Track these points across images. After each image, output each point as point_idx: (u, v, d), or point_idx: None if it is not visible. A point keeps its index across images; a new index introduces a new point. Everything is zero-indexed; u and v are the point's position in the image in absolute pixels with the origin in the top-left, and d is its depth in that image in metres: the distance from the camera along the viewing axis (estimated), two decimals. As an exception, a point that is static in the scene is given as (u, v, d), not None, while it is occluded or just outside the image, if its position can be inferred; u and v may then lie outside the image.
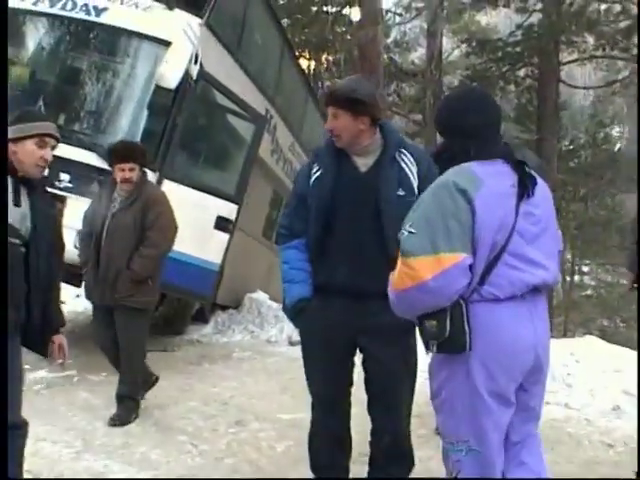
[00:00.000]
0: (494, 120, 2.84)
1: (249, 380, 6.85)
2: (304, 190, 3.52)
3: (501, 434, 2.71)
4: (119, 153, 5.45)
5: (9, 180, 3.27)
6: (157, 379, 5.77)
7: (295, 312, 3.53)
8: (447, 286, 2.53)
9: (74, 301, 9.82)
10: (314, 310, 3.46)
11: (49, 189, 6.53)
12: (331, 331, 3.44)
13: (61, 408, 5.41)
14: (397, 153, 3.45)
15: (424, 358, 2.97)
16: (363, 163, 3.47)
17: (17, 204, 3.30)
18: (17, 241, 3.29)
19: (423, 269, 2.52)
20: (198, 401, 5.98)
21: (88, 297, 5.74)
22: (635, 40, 16.08)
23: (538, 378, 2.79)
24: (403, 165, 3.43)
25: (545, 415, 5.42)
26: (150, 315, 5.73)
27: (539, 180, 2.78)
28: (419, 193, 3.20)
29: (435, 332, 2.58)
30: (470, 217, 2.56)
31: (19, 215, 3.31)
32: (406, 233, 2.58)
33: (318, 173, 3.48)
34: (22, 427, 3.33)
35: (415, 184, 3.40)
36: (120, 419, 5.23)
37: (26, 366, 5.91)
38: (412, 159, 3.44)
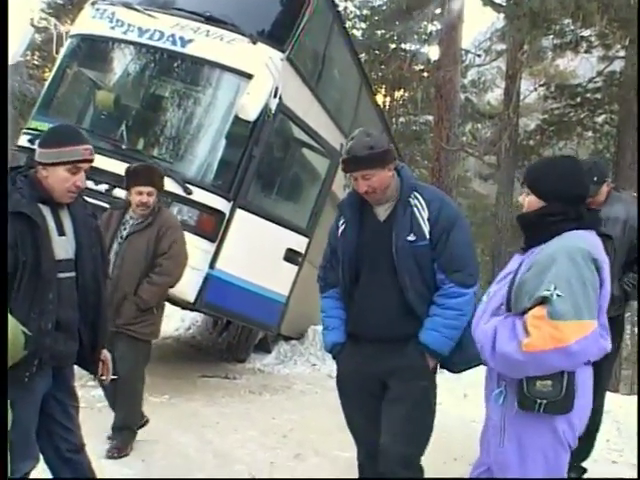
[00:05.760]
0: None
1: (309, 414, 6.84)
2: (335, 244, 3.68)
3: None
4: (140, 176, 5.22)
5: (47, 209, 3.12)
6: (147, 421, 5.41)
7: (332, 357, 3.74)
8: (584, 351, 2.63)
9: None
10: (346, 355, 3.64)
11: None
12: (362, 374, 3.57)
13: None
14: (411, 197, 3.51)
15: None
16: (382, 212, 3.57)
17: (62, 234, 3.16)
18: (72, 274, 3.18)
19: (569, 333, 2.58)
20: (257, 431, 6.00)
21: None
22: None
23: None
24: (415, 210, 3.49)
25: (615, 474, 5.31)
26: (151, 346, 5.37)
27: None
28: (430, 237, 3.39)
29: (549, 392, 2.66)
30: (598, 287, 2.70)
31: (68, 245, 3.18)
32: (555, 296, 2.60)
33: (343, 227, 3.63)
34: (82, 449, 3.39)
35: (426, 229, 3.45)
36: (118, 451, 5.02)
37: (91, 383, 6.10)
38: (423, 203, 3.49)
